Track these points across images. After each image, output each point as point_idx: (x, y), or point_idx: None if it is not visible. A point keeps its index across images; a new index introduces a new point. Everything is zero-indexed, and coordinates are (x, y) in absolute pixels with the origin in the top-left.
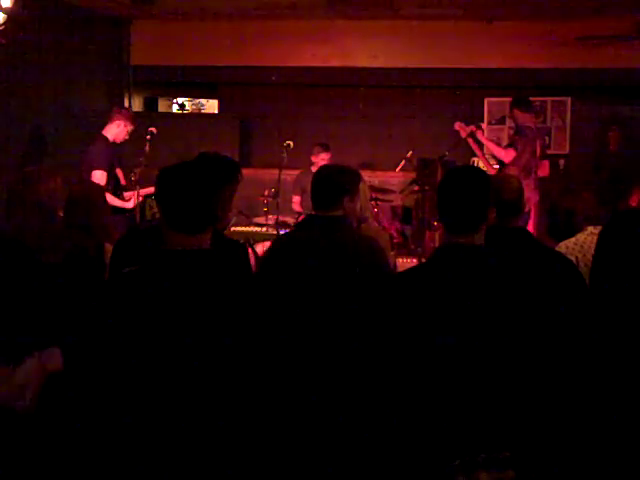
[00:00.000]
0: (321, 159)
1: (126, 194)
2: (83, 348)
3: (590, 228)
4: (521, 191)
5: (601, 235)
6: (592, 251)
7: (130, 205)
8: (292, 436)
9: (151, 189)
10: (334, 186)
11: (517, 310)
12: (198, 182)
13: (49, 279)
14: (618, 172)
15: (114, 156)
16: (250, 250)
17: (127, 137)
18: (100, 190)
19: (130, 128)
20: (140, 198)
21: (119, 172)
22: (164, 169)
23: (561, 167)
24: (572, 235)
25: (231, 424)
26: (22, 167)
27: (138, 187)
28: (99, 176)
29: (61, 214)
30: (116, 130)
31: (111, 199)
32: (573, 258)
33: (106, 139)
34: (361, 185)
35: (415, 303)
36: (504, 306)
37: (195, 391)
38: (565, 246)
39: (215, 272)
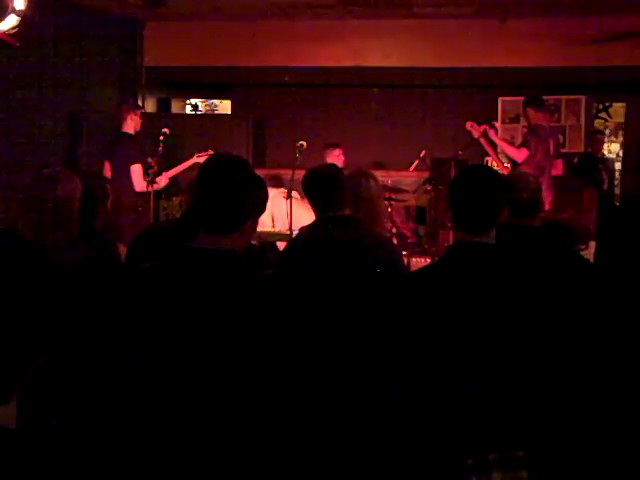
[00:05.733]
0: (335, 156)
1: (157, 179)
2: (92, 345)
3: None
4: (538, 190)
5: (599, 228)
6: None
7: (162, 185)
8: (304, 433)
9: (176, 170)
10: (337, 187)
11: (529, 309)
12: (225, 181)
13: (61, 281)
14: None
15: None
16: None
17: (141, 121)
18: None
19: (139, 113)
20: (166, 180)
21: (150, 159)
22: (207, 161)
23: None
24: None
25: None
26: (38, 168)
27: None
28: (137, 169)
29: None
30: (132, 123)
31: (141, 186)
32: None
33: (129, 135)
34: (372, 183)
35: (427, 301)
36: (516, 304)
37: (200, 391)
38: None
39: (231, 274)
